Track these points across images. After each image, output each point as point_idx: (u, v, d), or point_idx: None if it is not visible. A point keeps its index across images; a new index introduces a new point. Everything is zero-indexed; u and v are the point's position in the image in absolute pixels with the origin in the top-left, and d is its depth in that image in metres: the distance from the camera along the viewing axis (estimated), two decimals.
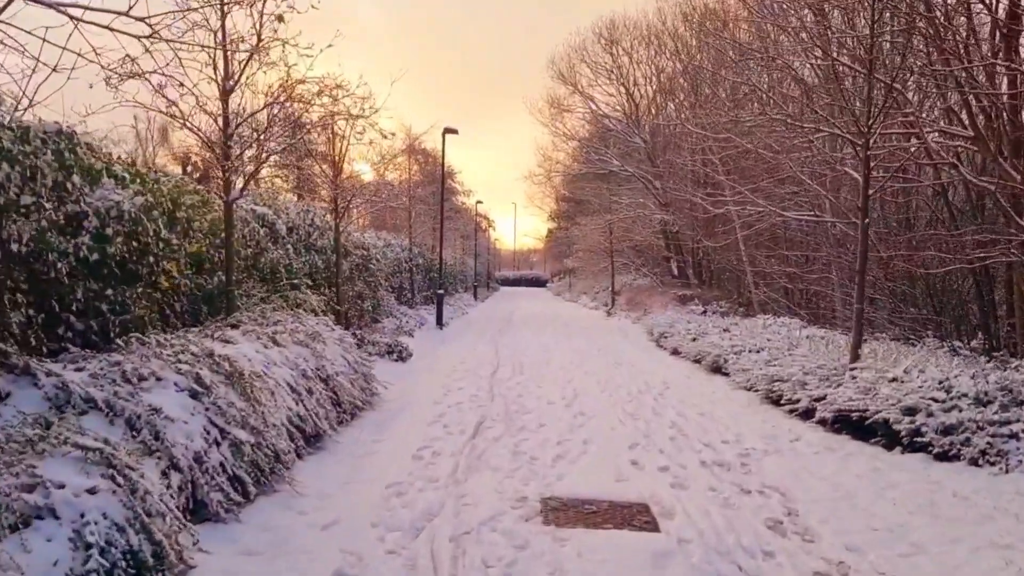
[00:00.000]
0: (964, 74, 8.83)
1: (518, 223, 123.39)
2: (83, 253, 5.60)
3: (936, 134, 9.89)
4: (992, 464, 6.16)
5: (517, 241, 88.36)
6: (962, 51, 9.36)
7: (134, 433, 4.29)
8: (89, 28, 4.10)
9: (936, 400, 6.86)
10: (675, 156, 24.58)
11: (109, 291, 5.98)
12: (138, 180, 6.80)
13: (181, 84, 6.70)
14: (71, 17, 4.00)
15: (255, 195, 11.16)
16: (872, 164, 9.09)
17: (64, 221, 5.42)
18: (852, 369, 8.49)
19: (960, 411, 6.66)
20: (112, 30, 4.38)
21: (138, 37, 5.05)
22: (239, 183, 8.31)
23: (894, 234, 14.04)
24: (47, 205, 5.07)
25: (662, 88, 29.93)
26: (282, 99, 8.33)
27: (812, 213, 14.87)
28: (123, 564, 3.36)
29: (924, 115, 10.65)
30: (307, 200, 20.10)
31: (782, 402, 9.01)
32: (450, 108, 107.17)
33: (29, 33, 3.92)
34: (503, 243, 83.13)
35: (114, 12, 4.21)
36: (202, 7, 6.38)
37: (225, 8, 6.99)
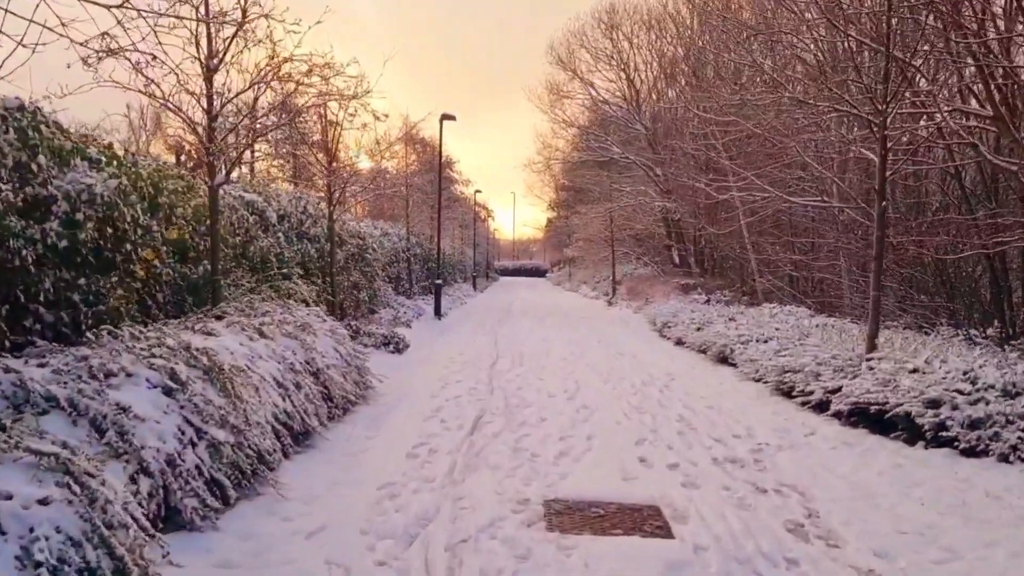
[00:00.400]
0: (982, 48, 8.41)
1: (517, 213, 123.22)
2: (51, 240, 5.23)
3: (952, 114, 9.48)
4: (1023, 460, 5.80)
5: (516, 231, 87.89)
6: (976, 28, 8.96)
7: (99, 434, 3.93)
8: None
9: (961, 392, 6.49)
10: (677, 142, 24.10)
11: (82, 280, 5.61)
12: (114, 163, 6.42)
13: (156, 58, 6.27)
14: None
15: (246, 182, 10.77)
16: (888, 145, 8.69)
17: (28, 205, 5.03)
18: (869, 359, 8.11)
19: (987, 404, 6.29)
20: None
21: (108, 7, 4.67)
22: (224, 167, 7.91)
23: (905, 218, 13.62)
24: (4, 187, 4.67)
25: (663, 73, 29.43)
26: (269, 78, 7.93)
27: (819, 198, 14.43)
28: None
29: (940, 94, 10.23)
30: (302, 188, 19.69)
31: (794, 394, 8.65)
32: (448, 102, 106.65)
33: None
34: (502, 233, 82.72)
35: None
36: None
37: None
